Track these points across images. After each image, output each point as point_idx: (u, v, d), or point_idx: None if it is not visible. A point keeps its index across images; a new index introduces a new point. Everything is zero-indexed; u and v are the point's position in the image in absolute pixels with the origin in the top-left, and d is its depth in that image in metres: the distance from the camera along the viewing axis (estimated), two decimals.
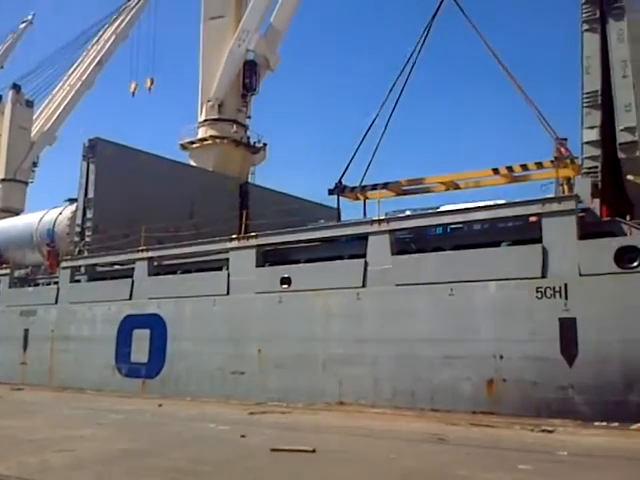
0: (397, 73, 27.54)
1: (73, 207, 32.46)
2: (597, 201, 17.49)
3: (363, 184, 28.08)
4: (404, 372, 18.17)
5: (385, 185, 28.27)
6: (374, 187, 28.62)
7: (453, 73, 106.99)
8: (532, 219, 17.80)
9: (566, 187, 20.07)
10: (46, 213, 34.95)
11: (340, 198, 28.75)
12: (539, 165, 24.94)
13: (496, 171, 26.13)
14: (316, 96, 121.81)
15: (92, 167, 30.79)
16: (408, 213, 22.17)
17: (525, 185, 27.22)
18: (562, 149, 23.83)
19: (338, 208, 29.06)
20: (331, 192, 29.10)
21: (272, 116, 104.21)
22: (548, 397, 16.05)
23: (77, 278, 29.35)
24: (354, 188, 28.51)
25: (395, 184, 28.25)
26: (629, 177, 17.26)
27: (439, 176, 28.16)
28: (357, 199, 29.39)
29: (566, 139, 23.50)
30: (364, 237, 20.28)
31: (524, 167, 25.37)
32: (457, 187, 28.10)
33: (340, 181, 28.74)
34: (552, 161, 23.92)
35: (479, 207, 18.78)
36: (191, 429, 15.09)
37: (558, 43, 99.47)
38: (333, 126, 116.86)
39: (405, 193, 29.11)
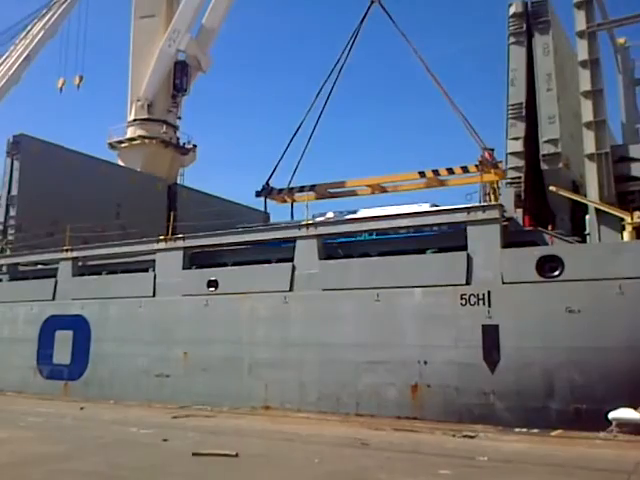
0: (324, 77, 27.88)
1: None
2: (520, 211, 17.91)
3: (290, 186, 28.17)
4: (329, 377, 18.22)
5: (312, 187, 28.42)
6: (301, 189, 28.74)
7: (382, 82, 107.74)
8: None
9: (492, 195, 20.51)
10: None
11: (268, 201, 28.82)
12: (465, 169, 25.49)
13: (422, 174, 26.58)
14: (249, 96, 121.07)
15: (16, 164, 30.12)
16: (331, 215, 22.34)
17: (450, 189, 27.81)
18: (487, 154, 24.40)
19: (265, 210, 29.08)
20: (258, 194, 29.11)
21: (205, 116, 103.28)
22: (470, 403, 16.31)
23: None
24: (281, 190, 28.56)
25: (322, 186, 28.43)
26: (551, 188, 17.66)
27: (366, 179, 28.47)
28: (284, 202, 29.47)
29: (493, 149, 24.10)
30: (292, 241, 20.29)
31: (450, 171, 25.90)
32: (384, 190, 28.43)
33: (267, 183, 28.77)
34: (477, 165, 24.47)
35: (405, 214, 18.97)
36: (112, 433, 14.85)
37: (486, 55, 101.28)
38: (268, 127, 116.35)
39: (332, 196, 29.32)
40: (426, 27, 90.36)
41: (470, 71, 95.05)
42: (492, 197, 22.01)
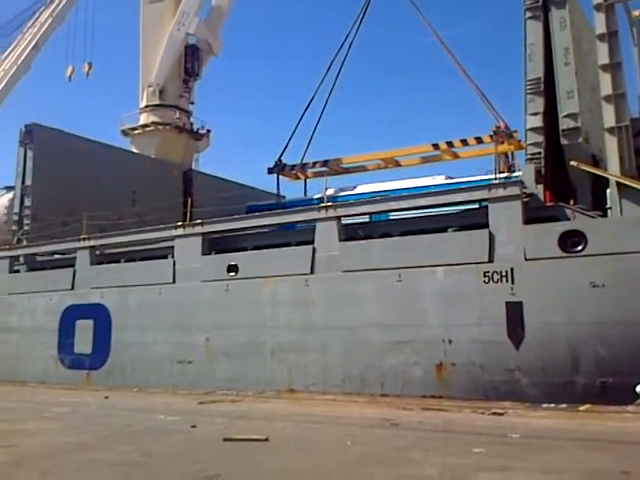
0: (335, 51, 27.89)
1: (10, 195, 31.59)
2: (541, 187, 17.77)
3: (303, 162, 28.13)
4: (353, 358, 18.23)
5: (325, 163, 28.39)
6: (314, 164, 28.73)
7: (394, 59, 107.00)
8: None
9: (506, 165, 20.37)
10: None
11: (281, 180, 28.80)
12: (479, 140, 25.37)
13: (436, 146, 26.52)
14: (264, 79, 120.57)
15: (29, 153, 30.00)
16: (331, 192, 22.26)
17: (464, 162, 27.82)
18: (501, 123, 24.24)
19: (278, 189, 28.99)
20: (270, 171, 29.13)
21: (219, 100, 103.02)
22: (496, 380, 16.31)
23: (16, 268, 28.63)
24: (294, 166, 28.53)
25: (335, 161, 28.37)
26: (572, 163, 17.50)
27: (378, 152, 28.40)
28: (297, 178, 29.46)
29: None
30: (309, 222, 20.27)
31: (464, 142, 25.84)
32: (397, 164, 28.35)
33: (280, 159, 28.70)
34: (491, 136, 24.31)
35: (426, 193, 18.89)
36: (140, 421, 14.78)
37: (502, 30, 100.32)
38: (283, 109, 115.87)
39: (345, 171, 29.29)
40: (439, 4, 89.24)
41: (483, 50, 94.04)
42: (506, 168, 21.97)
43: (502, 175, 21.57)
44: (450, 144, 26.18)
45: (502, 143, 24.56)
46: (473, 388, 16.50)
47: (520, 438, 11.29)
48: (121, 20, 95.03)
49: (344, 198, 23.57)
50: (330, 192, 23.92)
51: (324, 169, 29.14)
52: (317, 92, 28.41)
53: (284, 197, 30.26)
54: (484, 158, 25.92)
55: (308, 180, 30.04)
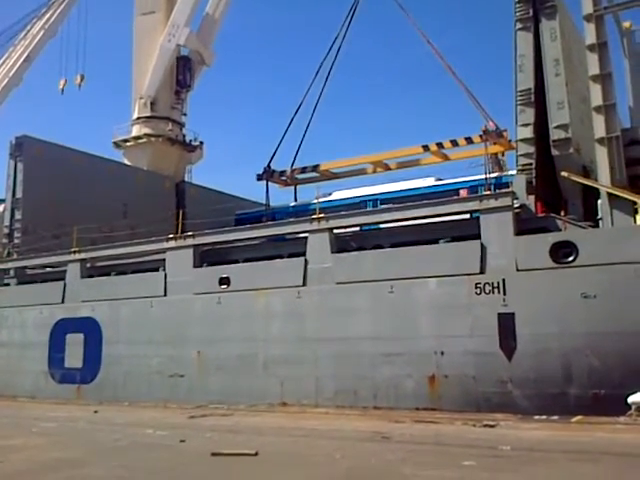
0: (324, 53, 27.96)
1: (0, 208, 31.43)
2: (532, 197, 17.74)
3: (292, 168, 28.08)
4: (346, 371, 18.13)
5: (315, 167, 28.29)
6: (303, 170, 28.63)
7: (382, 64, 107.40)
8: None
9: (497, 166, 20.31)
10: None
11: (270, 186, 28.71)
12: (469, 140, 25.30)
13: (426, 148, 26.45)
14: (256, 90, 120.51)
15: (20, 166, 29.87)
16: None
17: (454, 164, 27.84)
18: (490, 123, 24.17)
19: (267, 194, 28.85)
20: (260, 177, 28.98)
21: (211, 111, 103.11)
22: (488, 391, 16.24)
23: (6, 281, 28.52)
24: (283, 172, 28.43)
25: (324, 166, 28.30)
26: (563, 173, 17.49)
27: (368, 156, 28.31)
28: (287, 185, 29.33)
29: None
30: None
31: (454, 143, 25.73)
32: (387, 167, 28.31)
33: (269, 165, 28.59)
34: (481, 135, 24.25)
35: (417, 204, 18.82)
36: (128, 436, 14.64)
37: (492, 42, 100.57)
38: (276, 121, 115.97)
39: (335, 176, 29.20)
40: (430, 15, 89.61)
41: (473, 60, 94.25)
42: (497, 168, 21.93)
43: (492, 175, 21.55)
44: (440, 145, 26.09)
45: (494, 144, 24.55)
46: (465, 400, 16.41)
47: (511, 450, 11.20)
48: (114, 32, 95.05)
49: (333, 203, 23.55)
50: (331, 197, 23.92)
51: (314, 174, 29.05)
52: (306, 96, 28.42)
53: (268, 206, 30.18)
54: (474, 159, 25.87)
55: (298, 187, 30.00)
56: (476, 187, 22.52)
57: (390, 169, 28.46)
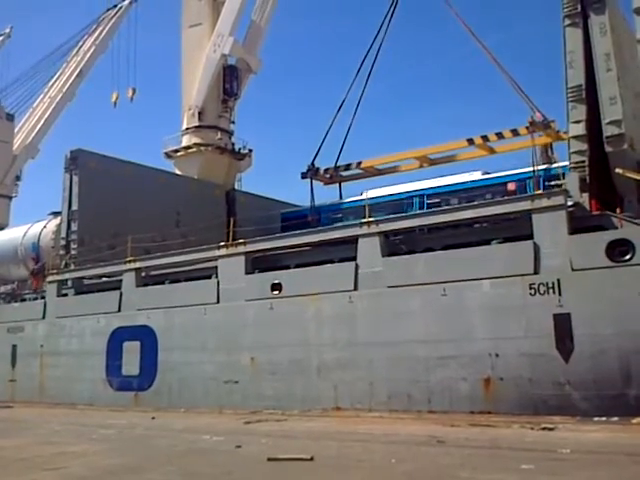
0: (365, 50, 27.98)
1: (57, 220, 32.13)
2: (586, 195, 17.43)
3: (337, 165, 28.05)
4: (399, 374, 18.03)
5: (359, 164, 28.23)
6: (347, 167, 28.58)
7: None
8: None
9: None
10: (30, 227, 34.59)
11: (315, 184, 28.75)
12: (515, 132, 24.89)
13: (471, 141, 26.12)
14: (302, 97, 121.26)
15: (75, 179, 30.43)
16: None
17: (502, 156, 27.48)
18: (537, 114, 23.75)
19: (312, 192, 28.88)
20: (304, 175, 29.03)
21: (262, 119, 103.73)
22: (545, 394, 15.97)
23: (64, 292, 29.05)
24: (327, 169, 28.41)
25: (368, 162, 28.20)
26: (617, 170, 17.16)
27: (412, 151, 28.11)
28: (331, 182, 29.29)
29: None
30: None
31: (499, 135, 25.35)
32: (433, 163, 28.07)
33: (312, 163, 28.60)
34: (527, 127, 23.84)
35: (468, 205, 18.66)
36: (185, 441, 14.80)
37: (541, 39, 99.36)
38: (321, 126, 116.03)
39: (380, 173, 29.08)
40: (476, 13, 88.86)
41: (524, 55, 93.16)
42: (546, 160, 21.56)
43: (541, 167, 21.19)
44: (485, 138, 25.71)
45: (543, 136, 24.14)
46: (522, 403, 16.17)
47: (570, 453, 10.99)
48: (165, 44, 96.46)
49: (379, 200, 23.48)
50: (367, 194, 23.83)
51: (358, 171, 28.99)
52: (349, 93, 28.44)
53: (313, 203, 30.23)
54: (522, 152, 25.43)
55: (343, 184, 29.98)
56: (524, 180, 22.26)
57: (435, 164, 28.24)
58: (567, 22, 18.63)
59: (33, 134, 50.00)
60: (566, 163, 18.83)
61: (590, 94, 18.04)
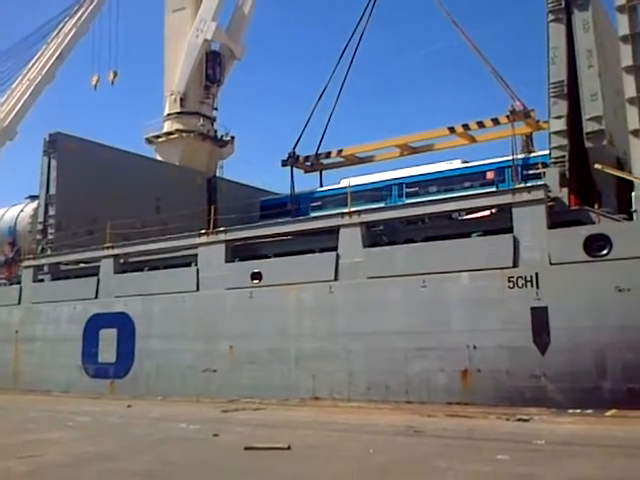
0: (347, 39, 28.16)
1: (34, 204, 31.85)
2: (565, 190, 17.58)
3: (317, 152, 28.09)
4: (378, 365, 18.10)
5: (339, 152, 28.30)
6: (328, 155, 28.62)
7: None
8: None
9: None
10: (7, 211, 34.30)
11: (295, 172, 28.83)
12: (495, 121, 25.10)
13: (452, 129, 26.30)
14: (285, 84, 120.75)
15: (53, 162, 30.06)
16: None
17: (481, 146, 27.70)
18: (517, 102, 23.94)
19: (292, 180, 28.94)
20: (284, 163, 29.06)
21: (243, 106, 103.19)
22: (522, 386, 16.11)
23: (40, 277, 28.80)
24: (308, 157, 28.45)
25: (350, 150, 28.30)
26: (596, 166, 17.29)
27: (393, 139, 28.21)
28: (312, 170, 29.33)
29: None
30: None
31: (480, 124, 25.53)
32: (414, 151, 28.21)
33: (294, 151, 28.60)
34: (507, 116, 24.04)
35: (449, 198, 18.76)
36: (162, 430, 14.78)
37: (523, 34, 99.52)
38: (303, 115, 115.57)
39: (361, 161, 29.17)
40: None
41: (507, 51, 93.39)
42: (525, 149, 21.71)
43: (519, 157, 21.34)
44: (466, 126, 25.87)
45: (528, 125, 24.32)
46: (499, 394, 16.31)
47: (545, 444, 11.15)
48: (148, 28, 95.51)
49: (358, 188, 23.53)
50: (346, 182, 23.87)
51: (339, 159, 29.04)
52: (330, 80, 28.60)
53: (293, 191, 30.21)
54: (503, 142, 25.66)
55: (323, 172, 30.00)
56: (503, 169, 22.40)
57: (416, 152, 28.35)
58: (551, 18, 18.75)
59: (11, 116, 49.39)
60: (545, 152, 18.96)
61: (572, 90, 18.17)
